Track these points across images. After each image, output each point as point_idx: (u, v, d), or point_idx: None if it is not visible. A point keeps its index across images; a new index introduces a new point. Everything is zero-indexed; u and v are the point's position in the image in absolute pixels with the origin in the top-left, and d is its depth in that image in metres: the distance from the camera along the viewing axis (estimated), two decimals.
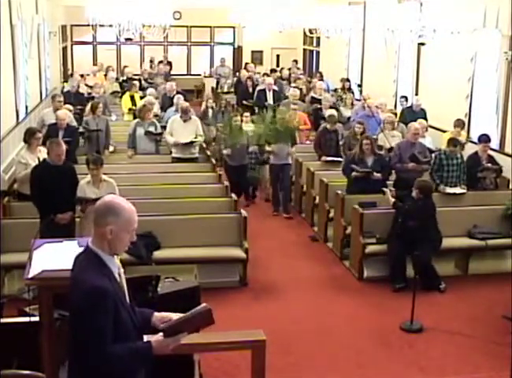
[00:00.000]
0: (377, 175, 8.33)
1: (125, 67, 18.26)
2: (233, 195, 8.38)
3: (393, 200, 7.57)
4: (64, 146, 6.93)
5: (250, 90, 14.96)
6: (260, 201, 10.97)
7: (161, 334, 2.97)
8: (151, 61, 20.70)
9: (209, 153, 10.88)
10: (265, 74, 17.77)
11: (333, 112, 11.04)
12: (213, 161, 10.25)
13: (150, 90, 13.88)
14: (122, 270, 3.08)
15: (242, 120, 11.01)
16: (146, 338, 3.03)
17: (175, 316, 3.10)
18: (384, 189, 7.91)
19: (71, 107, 11.12)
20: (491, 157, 8.85)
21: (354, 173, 8.33)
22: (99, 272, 2.88)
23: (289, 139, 9.99)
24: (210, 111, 12.86)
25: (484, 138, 8.84)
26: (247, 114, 11.74)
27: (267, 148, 10.04)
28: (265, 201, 10.89)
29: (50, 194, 6.62)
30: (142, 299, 4.11)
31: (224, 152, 10.09)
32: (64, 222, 6.80)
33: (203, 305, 3.09)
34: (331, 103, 12.41)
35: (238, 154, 10.12)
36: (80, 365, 2.88)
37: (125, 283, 3.11)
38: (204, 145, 11.00)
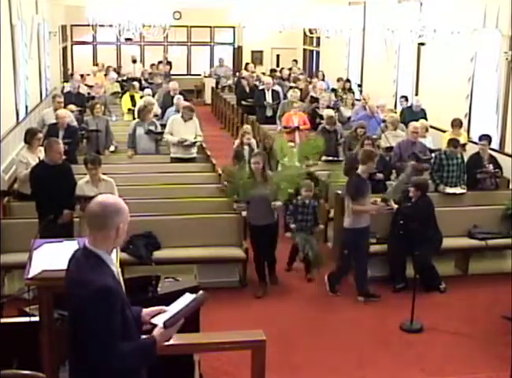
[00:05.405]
0: (380, 175, 8.33)
1: (120, 67, 18.15)
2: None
3: (396, 206, 7.58)
4: (62, 145, 6.94)
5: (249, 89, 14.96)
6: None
7: (160, 326, 2.99)
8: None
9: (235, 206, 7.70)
10: (263, 74, 17.76)
11: (331, 112, 11.02)
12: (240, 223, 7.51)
13: (147, 91, 13.91)
14: (119, 269, 3.10)
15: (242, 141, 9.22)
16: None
17: (165, 308, 3.12)
18: (386, 197, 7.94)
19: (73, 108, 11.14)
20: (492, 157, 8.85)
21: None
22: (103, 272, 2.90)
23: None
24: (247, 149, 9.27)
25: (486, 139, 8.83)
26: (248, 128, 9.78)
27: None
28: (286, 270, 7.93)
29: (49, 194, 6.63)
30: (142, 299, 4.12)
31: (235, 206, 7.42)
32: (66, 220, 6.80)
33: (199, 293, 3.14)
34: (328, 102, 12.39)
35: (259, 209, 7.07)
36: (89, 364, 2.87)
37: (122, 282, 3.12)
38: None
